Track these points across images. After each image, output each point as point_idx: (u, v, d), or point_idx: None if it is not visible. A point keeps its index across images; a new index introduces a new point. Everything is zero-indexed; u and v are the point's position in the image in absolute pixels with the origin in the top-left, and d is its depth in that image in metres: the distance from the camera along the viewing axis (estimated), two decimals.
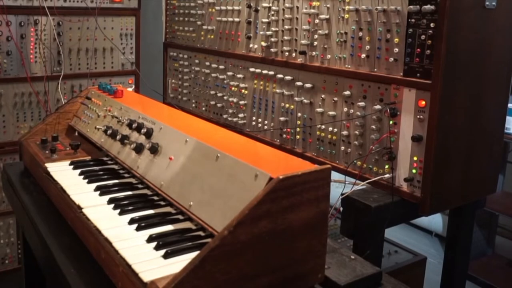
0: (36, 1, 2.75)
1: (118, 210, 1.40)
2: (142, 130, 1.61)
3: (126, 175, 1.68)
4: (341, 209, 1.81)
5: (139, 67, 3.21)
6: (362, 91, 1.90)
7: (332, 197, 1.27)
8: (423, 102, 1.68)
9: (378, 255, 1.82)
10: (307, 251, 1.18)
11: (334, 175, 1.94)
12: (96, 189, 1.55)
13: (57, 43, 2.86)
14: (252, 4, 2.41)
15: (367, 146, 1.89)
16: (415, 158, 1.72)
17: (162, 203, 1.47)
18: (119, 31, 3.10)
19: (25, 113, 2.82)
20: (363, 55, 1.88)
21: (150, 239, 1.24)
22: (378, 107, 1.83)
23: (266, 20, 2.32)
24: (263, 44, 2.36)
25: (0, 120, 2.74)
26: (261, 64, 2.39)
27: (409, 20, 1.71)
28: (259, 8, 2.37)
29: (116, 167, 1.75)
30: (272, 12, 2.29)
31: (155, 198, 1.50)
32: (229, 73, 2.59)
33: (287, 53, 2.23)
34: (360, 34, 1.89)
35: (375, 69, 1.85)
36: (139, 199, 1.50)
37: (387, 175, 1.80)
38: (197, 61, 2.89)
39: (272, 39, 2.29)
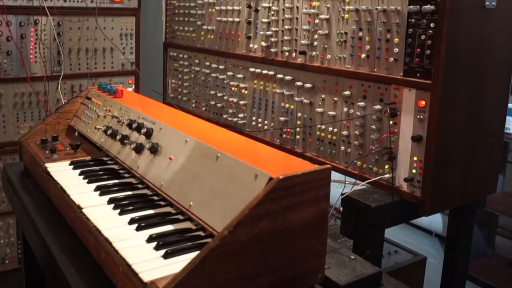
0: (36, 1, 2.75)
1: (118, 210, 1.40)
2: (142, 130, 1.61)
3: (126, 175, 1.68)
4: (341, 209, 1.81)
5: (139, 67, 3.21)
6: (362, 91, 1.90)
7: (332, 197, 1.27)
8: (423, 102, 1.68)
9: (378, 255, 1.82)
10: (307, 251, 1.18)
11: (334, 175, 1.94)
12: (96, 189, 1.55)
13: (57, 43, 2.86)
14: (252, 4, 2.41)
15: (367, 146, 1.89)
16: (415, 158, 1.72)
17: (162, 203, 1.47)
18: (119, 31, 3.10)
19: (25, 113, 2.82)
20: (363, 55, 1.88)
21: (150, 239, 1.24)
22: (378, 107, 1.83)
23: (266, 20, 2.32)
24: (263, 44, 2.36)
25: (0, 120, 2.74)
26: (261, 64, 2.39)
27: (409, 20, 1.71)
28: (259, 8, 2.37)
29: (116, 167, 1.75)
30: (272, 12, 2.29)
31: (155, 198, 1.50)
32: (229, 73, 2.59)
33: (287, 53, 2.23)
34: (360, 34, 1.89)
35: (375, 69, 1.85)
36: (139, 199, 1.50)
37: (387, 175, 1.80)
38: (197, 61, 2.89)
39: (272, 39, 2.29)
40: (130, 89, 2.28)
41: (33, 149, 1.91)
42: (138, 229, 1.30)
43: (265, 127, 2.38)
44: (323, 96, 2.07)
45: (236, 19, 2.53)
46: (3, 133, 2.76)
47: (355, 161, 1.92)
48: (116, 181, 1.63)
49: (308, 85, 2.11)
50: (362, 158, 1.89)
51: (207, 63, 2.78)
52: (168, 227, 1.32)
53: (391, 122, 1.78)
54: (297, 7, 2.16)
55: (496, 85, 1.87)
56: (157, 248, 1.20)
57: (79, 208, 1.42)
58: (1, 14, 2.63)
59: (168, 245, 1.20)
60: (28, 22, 2.74)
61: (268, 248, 1.10)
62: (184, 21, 3.00)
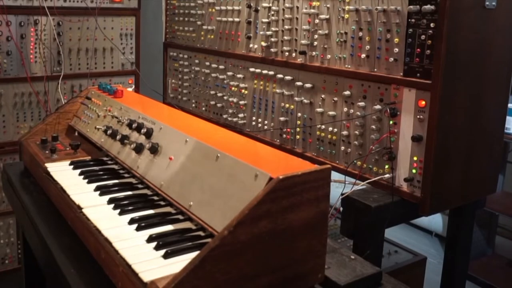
0: (36, 1, 2.75)
1: (118, 210, 1.40)
2: (142, 130, 1.61)
3: (126, 175, 1.68)
4: (341, 209, 1.81)
5: (139, 67, 3.21)
6: (362, 91, 1.90)
7: (332, 197, 1.27)
8: (423, 102, 1.68)
9: (378, 255, 1.82)
10: (307, 251, 1.18)
11: (334, 175, 1.94)
12: (96, 189, 1.55)
13: (57, 43, 2.86)
14: (252, 4, 2.41)
15: (367, 146, 1.89)
16: (415, 158, 1.72)
17: (162, 203, 1.47)
18: (119, 31, 3.10)
19: (25, 113, 2.82)
20: (363, 55, 1.88)
21: (150, 239, 1.24)
22: (378, 107, 1.83)
23: (266, 20, 2.32)
24: (263, 44, 2.36)
25: (0, 120, 2.74)
26: (261, 64, 2.39)
27: (409, 20, 1.71)
28: (259, 8, 2.38)
29: (116, 167, 1.75)
30: (272, 12, 2.29)
31: (155, 198, 1.50)
32: (229, 73, 2.59)
33: (287, 53, 2.23)
34: (360, 34, 1.89)
35: (375, 69, 1.85)
36: (139, 199, 1.50)
37: (387, 175, 1.80)
38: (197, 61, 2.89)
39: (272, 39, 2.29)
40: (130, 89, 2.28)
41: (33, 149, 1.91)
42: (138, 229, 1.30)
43: (265, 127, 2.38)
44: (323, 96, 2.07)
45: (236, 19, 2.53)
46: (3, 133, 2.76)
47: (355, 161, 1.92)
48: (116, 181, 1.63)
49: (308, 85, 2.11)
50: (362, 158, 1.89)
51: (207, 63, 2.78)
52: (168, 227, 1.32)
53: (391, 122, 1.78)
54: (297, 7, 2.16)
55: (496, 85, 1.87)
56: (157, 248, 1.20)
57: (79, 208, 1.42)
58: (1, 14, 2.63)
59: (168, 245, 1.20)
60: (28, 22, 2.74)
61: (268, 248, 1.10)
62: (184, 21, 3.00)
